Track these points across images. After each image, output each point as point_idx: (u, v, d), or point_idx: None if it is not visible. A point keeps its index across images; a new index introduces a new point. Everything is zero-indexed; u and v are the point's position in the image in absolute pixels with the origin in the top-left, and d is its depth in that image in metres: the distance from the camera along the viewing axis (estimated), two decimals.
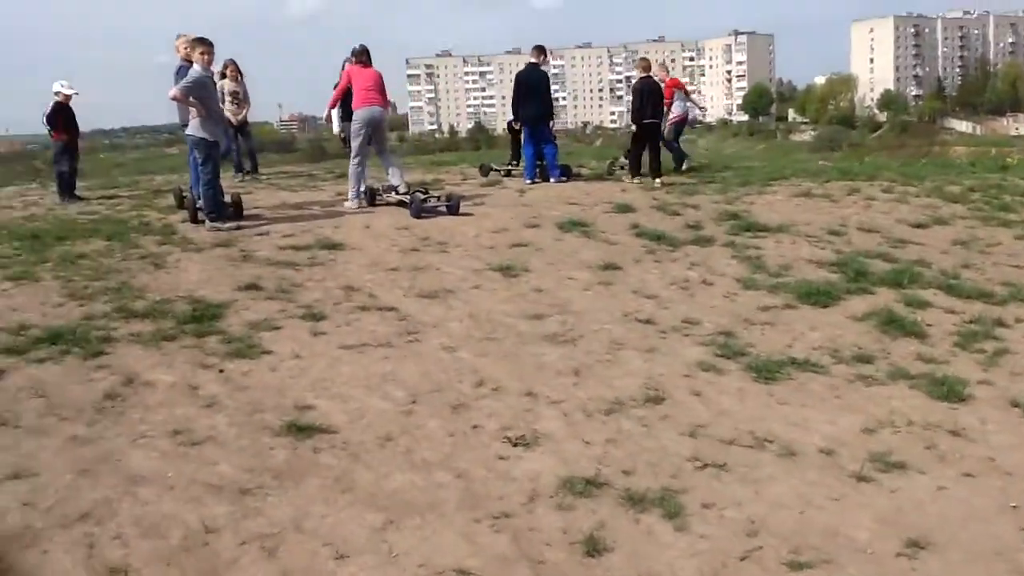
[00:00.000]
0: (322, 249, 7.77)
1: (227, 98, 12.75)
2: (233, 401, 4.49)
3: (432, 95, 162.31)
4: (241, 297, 6.28)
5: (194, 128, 8.58)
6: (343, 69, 12.39)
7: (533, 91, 11.72)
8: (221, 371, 4.89)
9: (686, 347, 5.62)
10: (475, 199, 10.34)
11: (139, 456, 3.87)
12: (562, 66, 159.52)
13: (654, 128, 11.94)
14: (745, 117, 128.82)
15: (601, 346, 5.54)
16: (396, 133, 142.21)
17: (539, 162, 11.88)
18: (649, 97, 11.73)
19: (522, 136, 12.06)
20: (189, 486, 3.61)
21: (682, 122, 13.12)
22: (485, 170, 12.93)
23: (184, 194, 9.54)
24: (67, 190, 11.01)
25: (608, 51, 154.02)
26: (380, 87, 9.94)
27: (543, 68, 12.11)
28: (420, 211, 9.28)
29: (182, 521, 3.35)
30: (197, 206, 8.82)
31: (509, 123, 12.97)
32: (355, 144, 9.85)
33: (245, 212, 9.42)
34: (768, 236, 8.72)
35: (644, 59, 12.79)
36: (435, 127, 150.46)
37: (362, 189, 10.02)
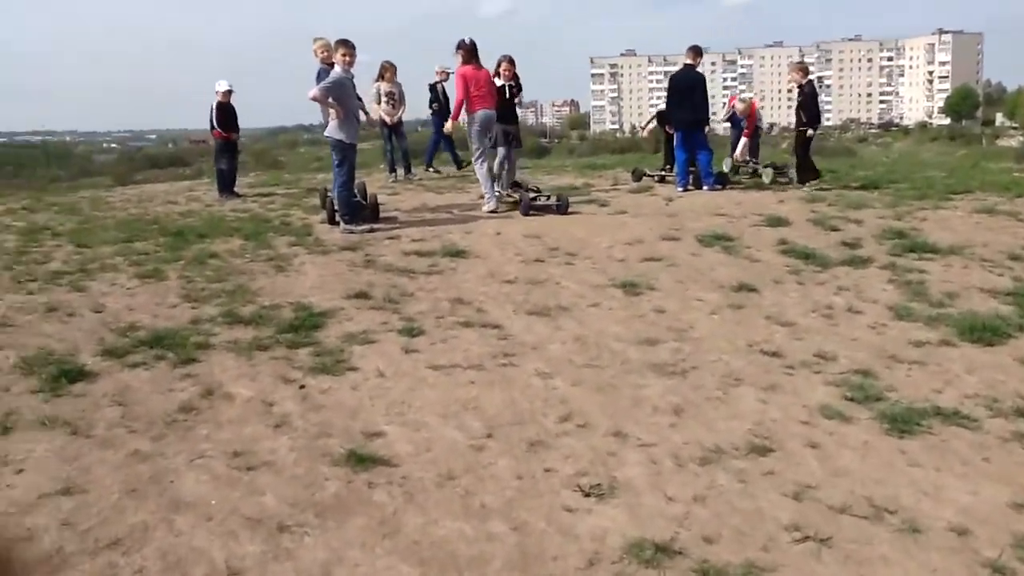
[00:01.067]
0: (445, 256, 7.57)
1: (383, 99, 12.86)
2: (303, 422, 4.29)
3: (615, 94, 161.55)
4: (347, 306, 6.14)
5: (331, 130, 8.60)
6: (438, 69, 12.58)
7: (687, 94, 11.16)
8: (302, 387, 4.72)
9: (813, 387, 4.98)
10: (617, 207, 9.90)
11: (191, 479, 3.72)
12: (750, 66, 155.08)
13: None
14: (947, 121, 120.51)
15: (713, 380, 4.99)
16: (577, 132, 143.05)
17: (692, 168, 11.28)
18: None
19: (674, 141, 11.48)
20: (228, 518, 3.42)
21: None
22: (637, 175, 12.47)
23: (328, 194, 9.62)
24: (226, 187, 11.38)
25: (800, 50, 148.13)
26: (492, 89, 9.89)
27: (699, 70, 11.43)
28: (529, 209, 9.12)
29: (208, 558, 3.15)
30: (335, 208, 8.84)
31: (653, 122, 12.52)
32: (477, 146, 9.77)
33: (384, 214, 9.39)
34: (936, 259, 7.80)
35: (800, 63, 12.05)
36: (616, 126, 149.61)
37: (495, 188, 9.83)
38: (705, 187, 11.29)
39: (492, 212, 9.59)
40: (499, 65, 10.33)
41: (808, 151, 11.44)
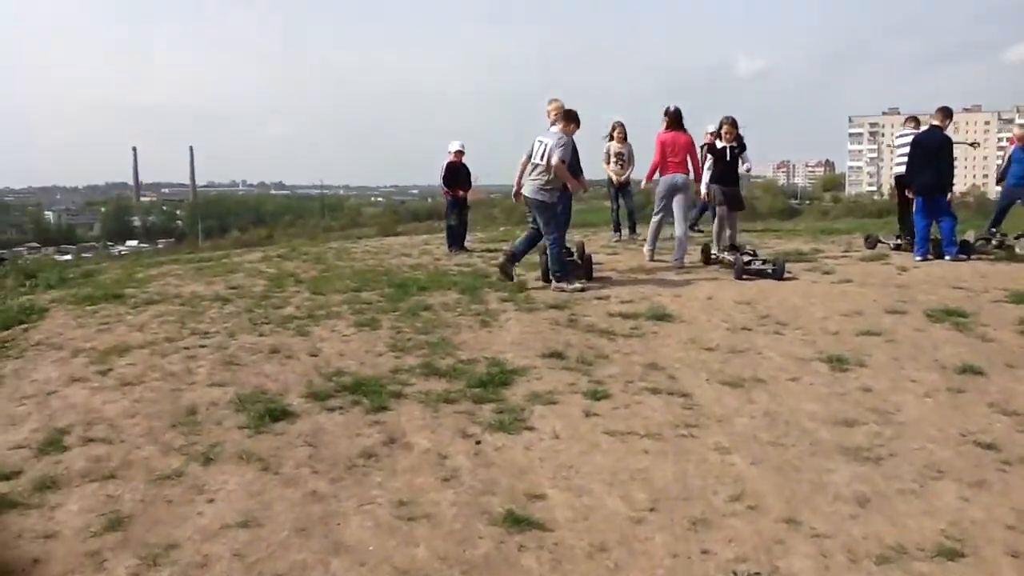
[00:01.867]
0: (649, 319, 7.52)
1: (612, 158, 13.09)
2: (471, 477, 4.40)
3: (874, 154, 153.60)
4: (540, 364, 6.24)
5: (533, 191, 8.84)
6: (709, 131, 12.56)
7: (932, 156, 10.44)
8: (478, 443, 4.85)
9: None
10: (843, 275, 9.41)
11: (356, 523, 3.92)
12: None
13: None
14: None
15: (911, 471, 4.59)
16: (831, 193, 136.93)
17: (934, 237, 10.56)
18: None
19: (914, 206, 10.77)
20: (379, 565, 3.56)
21: None
22: (872, 242, 11.80)
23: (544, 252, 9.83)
24: (455, 242, 11.95)
25: None
26: (686, 154, 10.31)
27: (946, 132, 10.68)
28: (742, 273, 8.93)
29: None
30: (547, 266, 9.04)
31: (897, 188, 11.79)
32: (657, 207, 10.38)
33: (599, 274, 9.50)
34: None
35: None
36: (874, 188, 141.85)
37: (655, 246, 10.67)
38: (947, 256, 10.47)
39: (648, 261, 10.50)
40: (720, 127, 10.30)
41: None
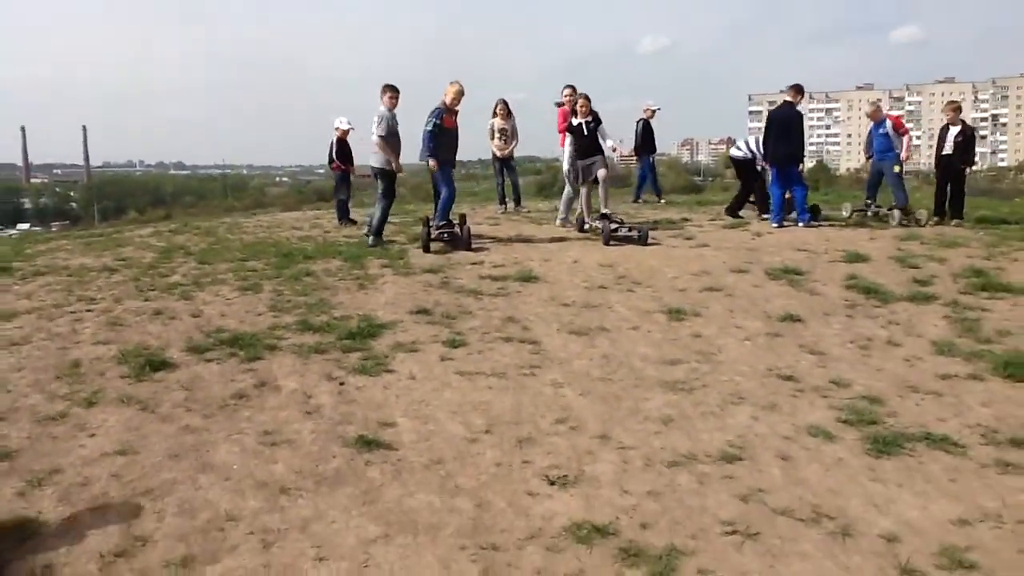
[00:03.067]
0: (516, 281, 8.17)
1: (496, 134, 13.66)
2: (332, 412, 4.98)
3: None
4: (407, 319, 6.83)
5: (382, 161, 9.59)
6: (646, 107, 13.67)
7: (784, 130, 11.34)
8: (342, 384, 5.41)
9: (813, 409, 5.26)
10: (703, 240, 10.24)
11: (224, 449, 4.46)
12: (919, 103, 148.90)
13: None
14: None
15: (717, 398, 5.36)
16: (732, 170, 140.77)
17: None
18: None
19: (769, 176, 11.71)
20: (242, 480, 4.11)
21: None
22: (732, 210, 12.71)
23: (431, 221, 10.35)
24: (343, 216, 12.41)
25: (973, 87, 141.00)
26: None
27: (798, 108, 11.61)
28: (609, 239, 9.67)
29: (215, 507, 3.85)
30: (431, 234, 9.60)
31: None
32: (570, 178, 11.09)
33: (479, 244, 10.08)
34: (1007, 298, 7.79)
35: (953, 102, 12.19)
36: None
37: (568, 216, 11.42)
38: (800, 223, 11.44)
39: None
40: (576, 103, 10.97)
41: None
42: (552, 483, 4.21)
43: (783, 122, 11.47)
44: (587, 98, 10.94)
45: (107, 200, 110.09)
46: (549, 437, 4.73)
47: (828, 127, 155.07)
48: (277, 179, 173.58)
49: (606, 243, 10.02)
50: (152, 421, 4.80)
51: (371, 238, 9.90)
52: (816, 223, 11.66)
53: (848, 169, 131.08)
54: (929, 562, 3.60)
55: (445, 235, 9.96)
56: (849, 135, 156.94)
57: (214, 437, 4.62)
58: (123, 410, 4.92)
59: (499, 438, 4.70)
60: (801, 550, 3.70)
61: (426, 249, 9.68)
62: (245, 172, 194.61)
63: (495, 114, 14.01)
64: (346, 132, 12.61)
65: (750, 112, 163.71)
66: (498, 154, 14.04)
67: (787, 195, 11.51)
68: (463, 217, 10.53)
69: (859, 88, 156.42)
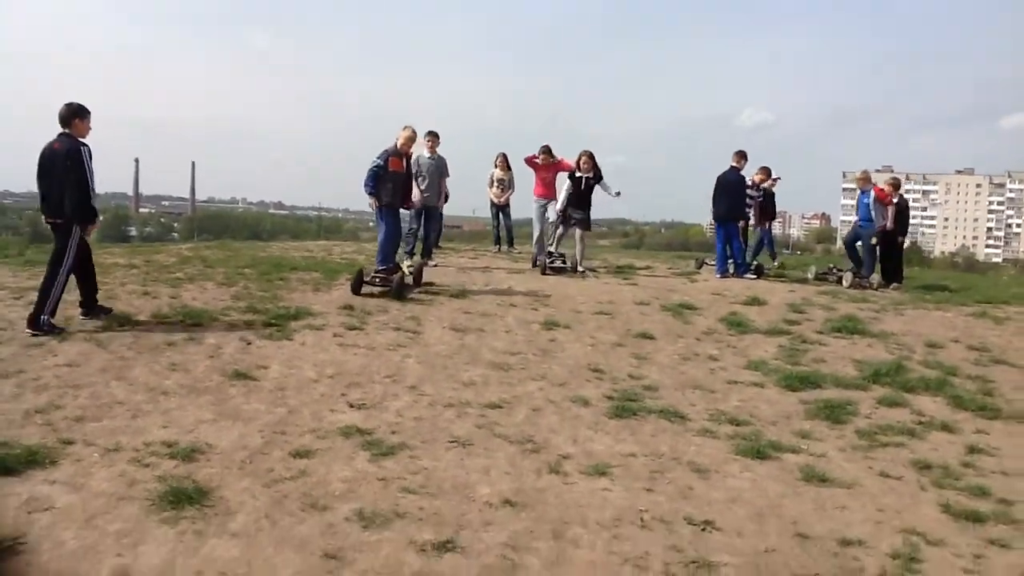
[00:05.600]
0: (448, 296, 9.97)
1: (495, 183, 15.61)
2: (229, 358, 6.88)
3: None
4: (332, 312, 8.71)
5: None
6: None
7: (724, 191, 12.94)
8: (248, 343, 7.31)
9: (592, 388, 6.90)
10: (634, 280, 11.94)
11: (138, 370, 6.41)
12: (1021, 189, 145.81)
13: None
14: None
15: (523, 375, 7.07)
16: (823, 245, 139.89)
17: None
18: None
19: (714, 233, 13.31)
20: (139, 386, 6.04)
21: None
22: (699, 263, 14.23)
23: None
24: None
25: None
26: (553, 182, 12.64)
27: (742, 172, 13.22)
28: (545, 268, 11.88)
29: (112, 397, 5.76)
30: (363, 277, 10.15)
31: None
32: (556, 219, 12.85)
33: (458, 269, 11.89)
34: (855, 339, 9.20)
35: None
36: None
37: (539, 258, 12.64)
38: (738, 275, 12.95)
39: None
40: (579, 159, 12.72)
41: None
42: (351, 406, 5.99)
43: (724, 184, 13.08)
44: (590, 155, 12.71)
45: (207, 233, 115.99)
46: (373, 384, 6.52)
47: (924, 209, 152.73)
48: (371, 224, 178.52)
49: (543, 272, 11.76)
50: (99, 352, 6.77)
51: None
52: (753, 276, 13.11)
53: (942, 252, 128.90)
54: (576, 468, 5.25)
55: (377, 279, 9.99)
56: (946, 219, 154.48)
57: (136, 363, 6.56)
58: (84, 344, 6.92)
59: (335, 381, 6.51)
60: (494, 456, 5.37)
61: (355, 291, 9.76)
62: (340, 216, 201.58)
63: (496, 165, 15.94)
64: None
65: (844, 189, 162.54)
66: (495, 201, 15.95)
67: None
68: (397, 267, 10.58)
69: (958, 172, 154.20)
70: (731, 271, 13.11)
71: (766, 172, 13.80)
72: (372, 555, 4.00)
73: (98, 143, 7.47)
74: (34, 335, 7.07)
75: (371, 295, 9.69)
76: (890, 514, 5.00)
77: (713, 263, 14.19)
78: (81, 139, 7.46)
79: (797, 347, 8.68)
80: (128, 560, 3.79)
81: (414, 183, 12.46)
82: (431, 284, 10.71)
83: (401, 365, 7.06)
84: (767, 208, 14.84)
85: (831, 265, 14.15)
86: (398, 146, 10.31)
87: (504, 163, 15.80)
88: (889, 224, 13.05)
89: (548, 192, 13.19)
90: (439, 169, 13.19)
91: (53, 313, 7.38)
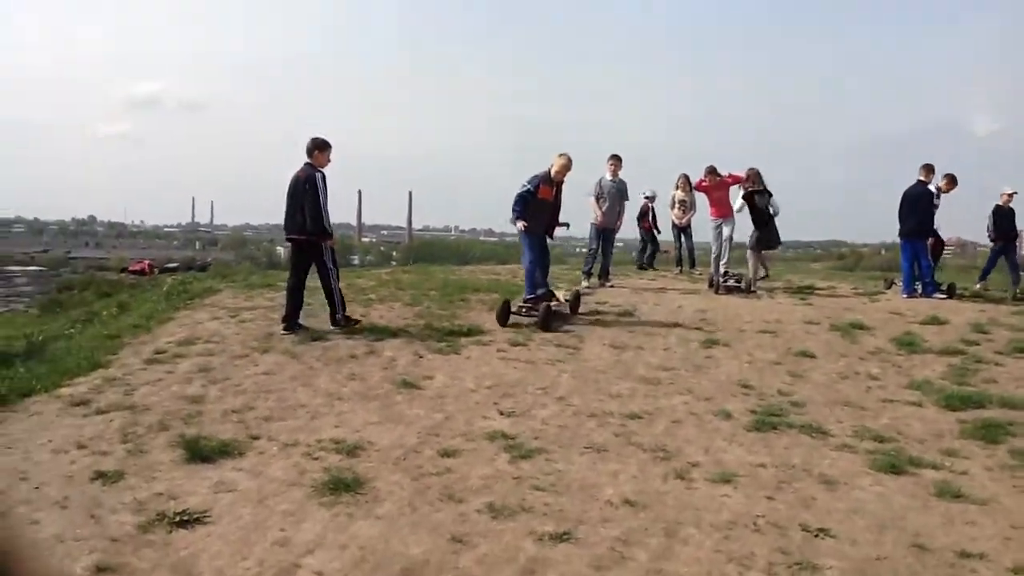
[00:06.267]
0: (612, 314, 10.43)
1: (676, 205, 15.96)
2: (402, 369, 7.66)
3: None
4: (501, 331, 9.36)
5: None
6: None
7: (911, 207, 12.60)
8: (420, 357, 8.07)
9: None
10: (811, 300, 11.93)
11: (323, 379, 7.28)
12: None
13: None
14: None
15: (674, 390, 7.41)
16: None
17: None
18: None
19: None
20: (320, 394, 6.91)
21: None
22: (888, 283, 13.87)
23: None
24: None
25: None
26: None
27: (929, 186, 12.80)
28: (719, 288, 12.52)
29: (296, 400, 6.63)
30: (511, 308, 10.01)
31: None
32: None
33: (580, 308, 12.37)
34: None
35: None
36: None
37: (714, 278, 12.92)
38: (924, 295, 12.52)
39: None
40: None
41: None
42: (501, 414, 6.56)
43: (912, 199, 12.69)
44: (757, 172, 12.91)
45: (422, 260, 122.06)
46: (526, 395, 7.06)
47: None
48: (578, 249, 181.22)
49: (716, 292, 11.97)
50: (292, 363, 7.73)
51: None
52: (943, 296, 12.60)
53: None
54: (702, 475, 5.55)
55: (523, 310, 9.79)
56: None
57: (321, 373, 7.45)
58: (279, 356, 7.91)
59: (491, 392, 7.11)
60: (625, 461, 5.76)
61: (501, 322, 9.57)
62: (549, 241, 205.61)
63: (677, 186, 16.23)
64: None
65: None
66: (677, 223, 16.24)
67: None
68: (549, 294, 10.24)
69: None
70: (919, 291, 12.63)
71: (951, 180, 13.20)
72: (494, 541, 4.50)
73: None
74: (338, 329, 8.89)
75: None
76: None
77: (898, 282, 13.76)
78: (320, 168, 8.79)
79: (969, 367, 8.42)
80: (289, 533, 4.49)
81: (595, 204, 13.05)
82: (604, 303, 11.15)
83: (556, 379, 7.55)
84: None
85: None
86: (552, 173, 10.01)
87: (686, 184, 16.01)
88: None
89: (722, 211, 13.32)
90: (620, 192, 13.62)
91: (344, 308, 9.04)
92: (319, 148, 8.84)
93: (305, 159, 8.84)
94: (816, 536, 4.76)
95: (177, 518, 4.57)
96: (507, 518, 4.76)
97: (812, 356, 8.72)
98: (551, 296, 10.03)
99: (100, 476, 5.14)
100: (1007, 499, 5.39)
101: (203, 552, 4.28)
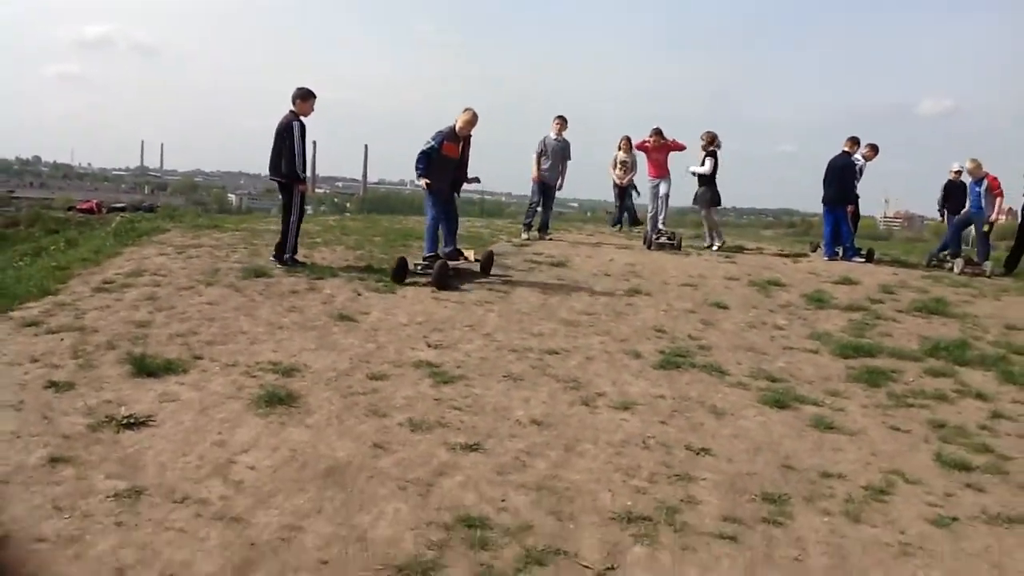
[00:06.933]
0: (553, 266, 10.97)
1: (617, 165, 16.49)
2: (339, 304, 8.14)
3: None
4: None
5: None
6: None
7: (833, 175, 13.32)
8: (358, 294, 8.56)
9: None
10: (737, 259, 12.57)
11: (264, 310, 7.72)
12: None
13: None
14: None
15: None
16: (1005, 243, 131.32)
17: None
18: None
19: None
20: (260, 322, 7.38)
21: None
22: (813, 246, 14.53)
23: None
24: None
25: None
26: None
27: (854, 157, 13.52)
28: (651, 244, 13.10)
29: (238, 328, 7.10)
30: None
31: None
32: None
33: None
34: (931, 318, 9.61)
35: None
36: None
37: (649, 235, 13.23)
38: (845, 258, 13.27)
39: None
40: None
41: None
42: (429, 346, 7.10)
43: (835, 169, 13.41)
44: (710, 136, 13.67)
45: (375, 212, 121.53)
46: (454, 330, 7.61)
47: None
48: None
49: (648, 247, 12.63)
50: (236, 295, 8.16)
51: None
52: (862, 260, 13.34)
53: None
54: (606, 403, 6.15)
55: (418, 267, 9.60)
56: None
57: (262, 305, 7.90)
58: (224, 289, 8.34)
59: (422, 326, 7.64)
60: (538, 389, 6.34)
61: (397, 280, 9.27)
62: (504, 199, 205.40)
63: (619, 147, 16.75)
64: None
65: None
66: (618, 182, 16.80)
67: None
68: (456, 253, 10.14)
69: None
70: (839, 255, 13.39)
71: (873, 148, 13.95)
72: (411, 449, 5.07)
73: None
74: (277, 265, 9.47)
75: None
76: (882, 458, 5.62)
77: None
78: (302, 116, 9.41)
79: (868, 322, 9.14)
80: (226, 437, 5.01)
81: (536, 160, 13.59)
82: (540, 254, 11.71)
83: (483, 317, 8.11)
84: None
85: (943, 252, 14.11)
86: (457, 129, 9.77)
87: (627, 145, 16.54)
88: (994, 216, 13.02)
89: (659, 171, 13.91)
90: (563, 151, 14.14)
91: (294, 252, 9.66)
92: (301, 97, 9.44)
93: (290, 106, 9.46)
94: (698, 454, 5.40)
95: (125, 421, 5.06)
96: (425, 431, 5.32)
97: (726, 308, 9.37)
98: (458, 255, 9.97)
99: (52, 385, 5.58)
100: (874, 432, 6.09)
101: (148, 449, 4.78)
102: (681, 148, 13.63)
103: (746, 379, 6.99)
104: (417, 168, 9.61)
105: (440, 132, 9.67)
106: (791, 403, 6.48)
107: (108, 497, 4.18)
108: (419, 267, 9.50)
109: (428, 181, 9.60)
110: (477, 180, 10.64)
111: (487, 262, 10.19)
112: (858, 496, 4.98)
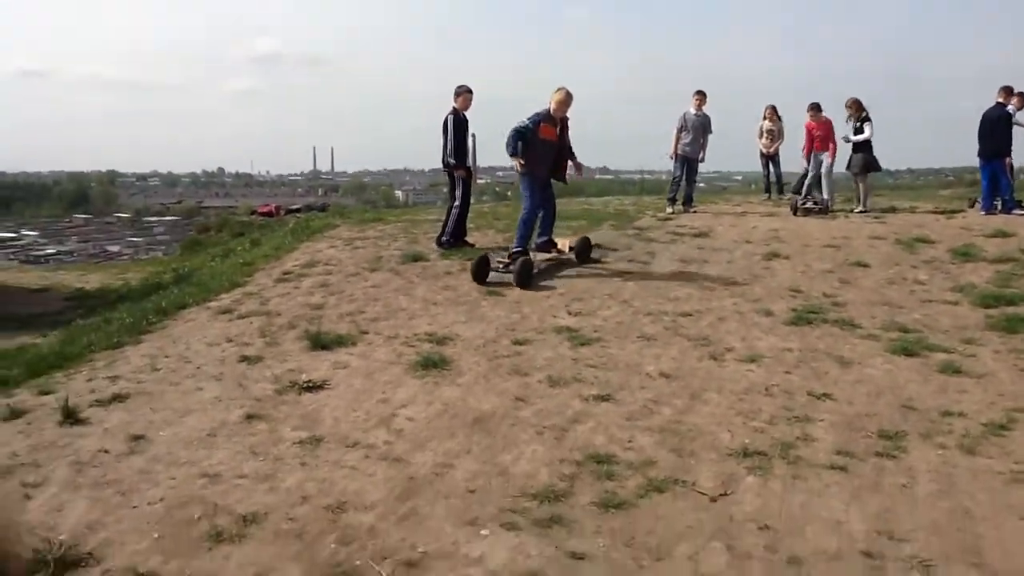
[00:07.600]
0: (695, 236, 11.36)
1: (764, 134, 16.56)
2: (484, 286, 8.87)
3: None
4: None
5: None
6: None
7: (988, 128, 12.93)
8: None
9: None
10: (883, 218, 12.49)
11: (420, 290, 8.54)
12: None
13: None
14: None
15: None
16: None
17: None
18: None
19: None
20: (417, 300, 8.19)
21: None
22: (971, 202, 14.14)
23: None
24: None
25: None
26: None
27: (1008, 108, 13.05)
28: (795, 210, 12.60)
29: (398, 305, 7.95)
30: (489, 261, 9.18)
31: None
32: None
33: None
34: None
35: None
36: None
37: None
38: (1006, 212, 12.85)
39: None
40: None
41: None
42: (570, 314, 7.70)
43: (989, 121, 12.99)
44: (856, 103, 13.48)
45: None
46: (592, 299, 8.16)
47: None
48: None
49: (794, 214, 12.75)
50: (396, 278, 9.02)
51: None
52: (1021, 212, 12.89)
53: None
54: (733, 357, 6.58)
55: (500, 266, 8.90)
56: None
57: (419, 286, 8.70)
58: (386, 274, 9.23)
59: (563, 296, 8.25)
60: (669, 348, 6.84)
61: (477, 279, 8.77)
62: (664, 177, 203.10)
63: (764, 116, 16.74)
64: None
65: None
66: (764, 151, 16.81)
67: None
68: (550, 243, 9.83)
69: None
70: (998, 207, 12.99)
71: (1022, 97, 13.36)
72: (549, 400, 5.70)
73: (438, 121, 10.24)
74: (440, 249, 10.21)
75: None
76: (1008, 398, 5.80)
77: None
78: (460, 111, 10.22)
79: (1017, 272, 9.00)
80: (389, 395, 5.81)
81: (676, 135, 13.93)
82: (684, 226, 12.06)
83: (622, 286, 8.61)
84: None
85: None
86: (552, 110, 9.04)
87: (773, 113, 16.49)
88: None
89: (821, 147, 13.96)
90: (703, 125, 14.37)
91: (453, 236, 10.34)
92: (457, 93, 10.30)
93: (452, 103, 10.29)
94: (819, 399, 5.76)
95: (305, 385, 5.96)
96: (562, 386, 5.94)
97: (866, 266, 9.46)
98: (551, 246, 9.59)
99: (245, 359, 6.58)
100: (1004, 374, 6.23)
101: (325, 407, 5.63)
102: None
103: (877, 331, 7.18)
104: (509, 147, 8.84)
105: (537, 113, 8.94)
106: (921, 351, 6.65)
107: (294, 444, 5.03)
108: (501, 266, 8.83)
109: (522, 161, 8.82)
110: (579, 167, 9.71)
111: (583, 249, 9.68)
112: (976, 432, 5.20)
